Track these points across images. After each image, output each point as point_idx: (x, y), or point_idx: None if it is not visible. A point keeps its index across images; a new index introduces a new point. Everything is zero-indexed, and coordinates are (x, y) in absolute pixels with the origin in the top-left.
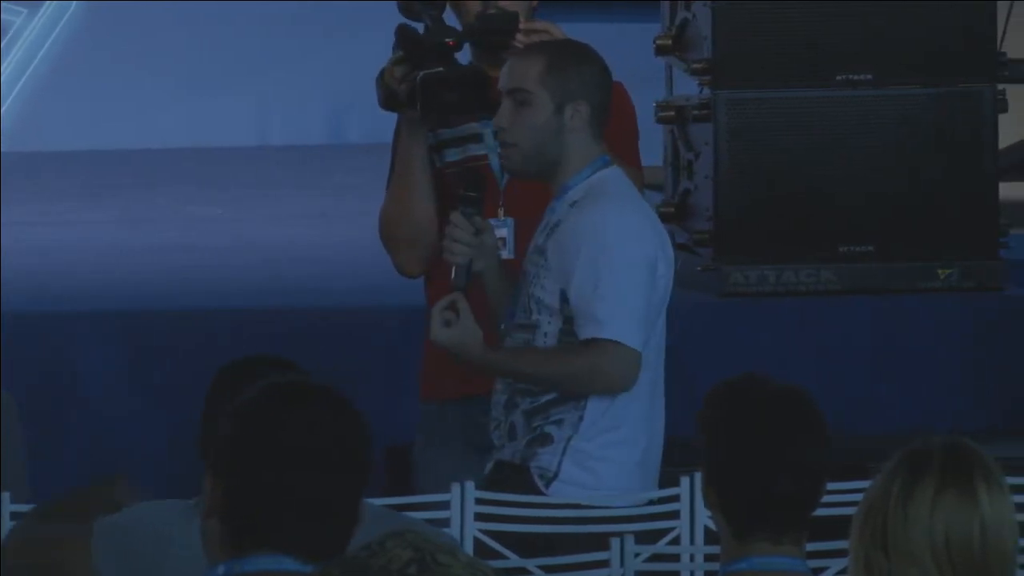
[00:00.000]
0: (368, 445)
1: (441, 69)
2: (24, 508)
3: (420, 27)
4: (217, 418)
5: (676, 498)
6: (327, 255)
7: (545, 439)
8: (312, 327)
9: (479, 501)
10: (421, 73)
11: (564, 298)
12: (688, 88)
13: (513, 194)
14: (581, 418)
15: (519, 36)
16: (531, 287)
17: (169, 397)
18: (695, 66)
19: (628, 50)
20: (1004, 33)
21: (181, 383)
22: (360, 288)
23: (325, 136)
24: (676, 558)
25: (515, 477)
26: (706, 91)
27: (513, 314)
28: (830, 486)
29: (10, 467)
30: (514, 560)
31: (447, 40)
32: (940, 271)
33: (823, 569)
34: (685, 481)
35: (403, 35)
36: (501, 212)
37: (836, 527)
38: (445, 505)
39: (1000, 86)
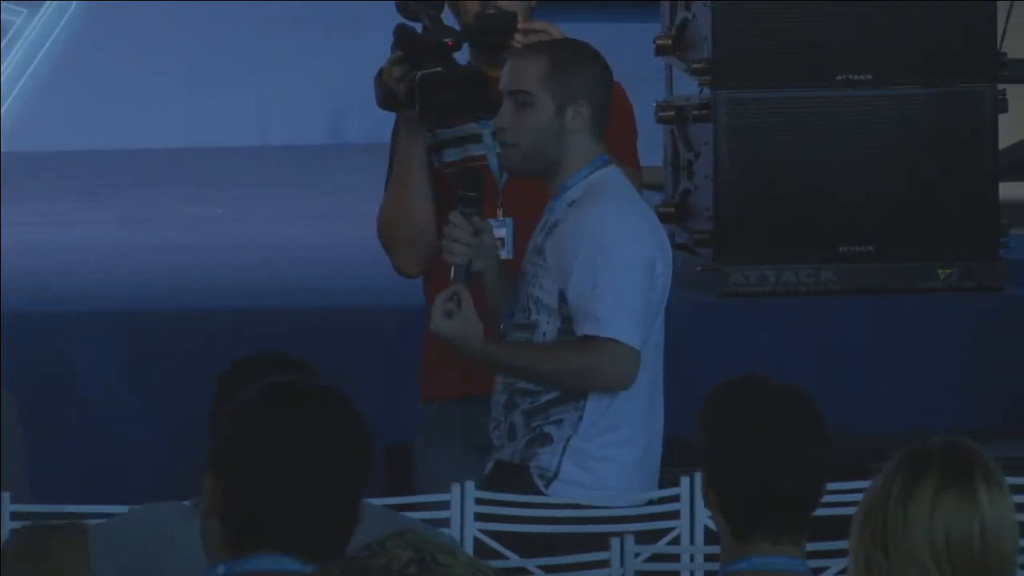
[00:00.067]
0: (368, 445)
1: (439, 69)
2: (24, 508)
3: (418, 27)
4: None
5: (676, 498)
6: (327, 255)
7: (545, 439)
8: (312, 327)
9: (479, 501)
10: (419, 73)
11: (562, 298)
12: (688, 88)
13: (512, 194)
14: (581, 418)
15: (517, 36)
16: (530, 287)
17: (169, 397)
18: (695, 66)
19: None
20: (1004, 33)
21: (181, 383)
22: (360, 288)
23: (325, 136)
24: (676, 558)
25: (515, 477)
26: (706, 91)
27: (512, 314)
28: (830, 486)
29: (10, 467)
30: (514, 560)
31: (446, 40)
32: (940, 271)
33: (823, 569)
34: (685, 481)
35: (402, 35)
36: (500, 212)
37: (836, 527)
38: (445, 505)
39: (1000, 86)
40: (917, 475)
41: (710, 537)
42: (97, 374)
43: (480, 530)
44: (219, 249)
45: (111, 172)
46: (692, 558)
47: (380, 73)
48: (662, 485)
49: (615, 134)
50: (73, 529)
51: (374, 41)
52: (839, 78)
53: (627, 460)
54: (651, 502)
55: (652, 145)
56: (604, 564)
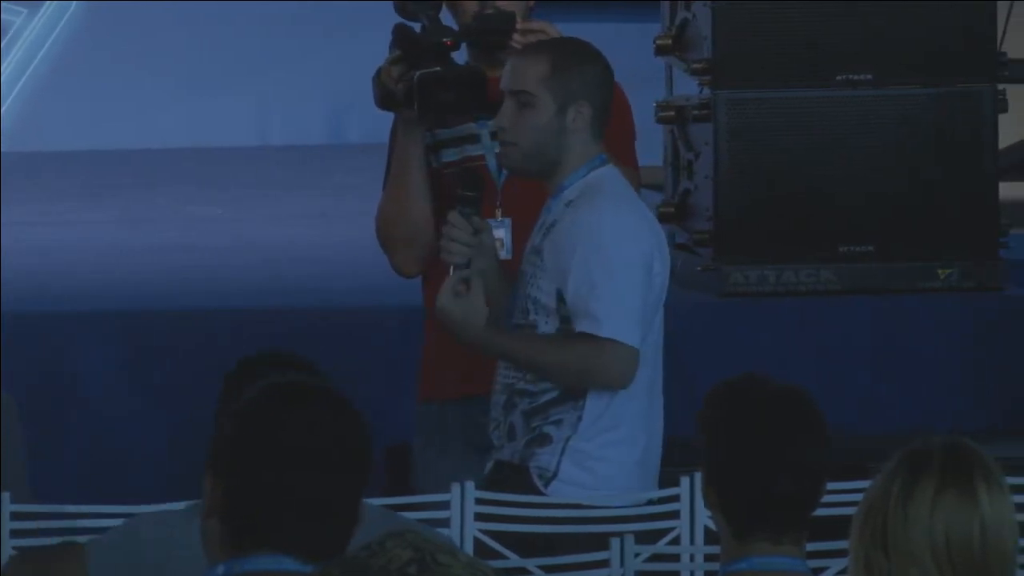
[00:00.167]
0: (368, 445)
1: (438, 69)
2: (24, 508)
3: (417, 27)
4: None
5: (676, 498)
6: (327, 255)
7: (544, 439)
8: (312, 327)
9: (479, 501)
10: (418, 73)
11: (560, 298)
12: (688, 88)
13: (511, 194)
14: (580, 418)
15: (516, 36)
16: (528, 287)
17: (169, 397)
18: (695, 66)
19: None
20: (1004, 33)
21: (181, 383)
22: (360, 288)
23: (325, 136)
24: (676, 558)
25: (514, 477)
26: (706, 91)
27: (511, 314)
28: (830, 486)
29: (10, 467)
30: (514, 560)
31: (444, 40)
32: (940, 271)
33: (823, 569)
34: (685, 481)
35: (400, 35)
36: (499, 212)
37: (836, 527)
38: (445, 505)
39: (1000, 86)
40: (917, 475)
41: (710, 537)
42: (97, 374)
43: (480, 530)
44: (219, 249)
45: (111, 172)
46: (692, 558)
47: (378, 73)
48: (662, 485)
49: (613, 134)
50: (71, 548)
51: (374, 41)
52: (839, 78)
53: (627, 460)
54: (651, 502)
55: (652, 145)
56: (604, 564)
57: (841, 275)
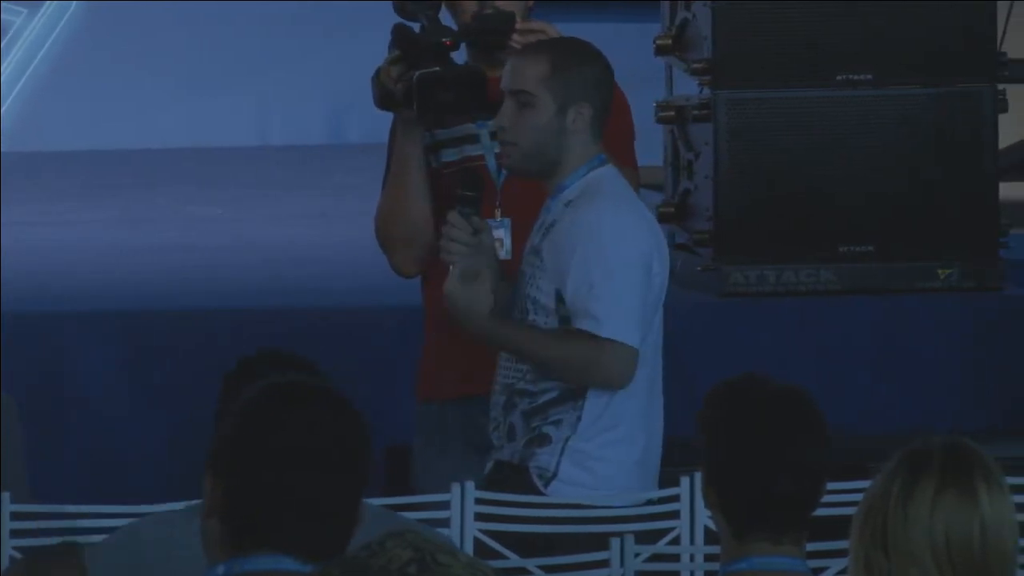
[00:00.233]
0: (368, 445)
1: (437, 69)
2: (24, 508)
3: (415, 27)
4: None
5: (676, 498)
6: (327, 255)
7: (543, 439)
8: (312, 327)
9: (479, 501)
10: (417, 73)
11: (559, 298)
12: (688, 88)
13: (510, 194)
14: (579, 418)
15: (515, 36)
16: (527, 287)
17: (169, 397)
18: (695, 66)
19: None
20: (1004, 33)
21: (181, 383)
22: (360, 288)
23: (325, 136)
24: (676, 558)
25: (514, 477)
26: (706, 91)
27: (510, 314)
28: (830, 486)
29: (10, 467)
30: (514, 560)
31: (444, 40)
32: (940, 271)
33: (823, 569)
34: (685, 481)
35: (399, 34)
36: (498, 213)
37: (836, 527)
38: (445, 505)
39: (1000, 86)
40: (917, 475)
41: (710, 537)
42: (97, 374)
43: (480, 530)
44: (219, 249)
45: (111, 172)
46: (692, 558)
47: (377, 73)
48: (662, 485)
49: (612, 134)
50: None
51: (374, 41)
52: (839, 78)
53: (626, 459)
54: (651, 502)
55: (652, 145)
56: (604, 564)
57: (841, 275)
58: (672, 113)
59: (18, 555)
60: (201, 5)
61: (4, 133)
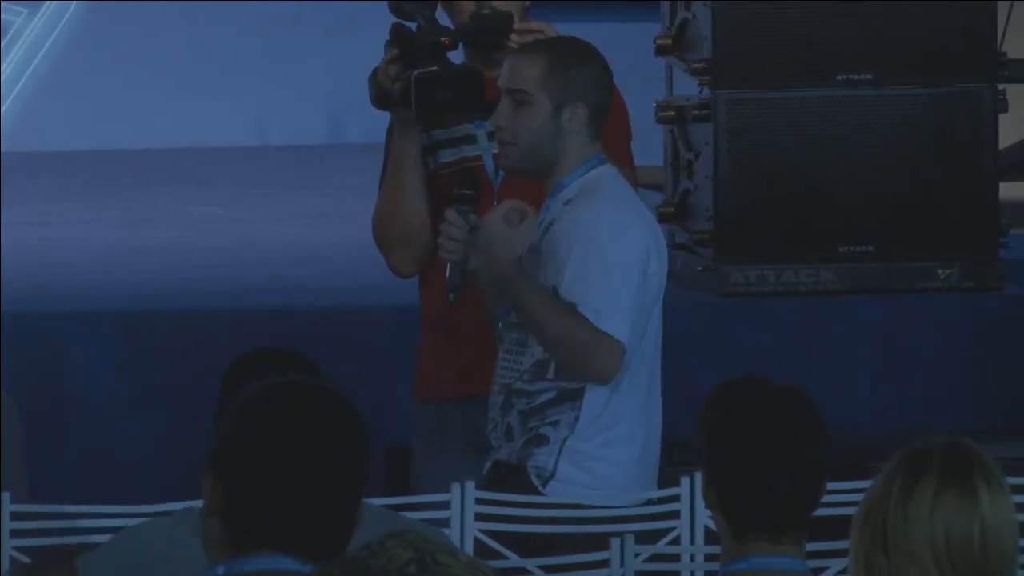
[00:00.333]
0: (368, 445)
1: (436, 68)
2: (24, 508)
3: (412, 27)
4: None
5: (676, 498)
6: (327, 255)
7: (541, 440)
8: (312, 327)
9: (479, 501)
10: (415, 72)
11: (556, 294)
12: (688, 88)
13: (508, 195)
14: (577, 418)
15: (513, 36)
16: None
17: (169, 397)
18: (695, 66)
19: (628, 50)
20: (1004, 33)
21: (181, 383)
22: (360, 288)
23: (325, 136)
24: (676, 558)
25: (512, 477)
26: (706, 91)
27: (508, 312)
28: (830, 486)
29: (10, 467)
30: (514, 560)
31: (442, 39)
32: (940, 271)
33: (823, 569)
34: (685, 481)
35: (398, 34)
36: None
37: (836, 527)
38: (445, 505)
39: (1000, 86)
40: (917, 475)
41: (710, 537)
42: (97, 374)
43: (480, 530)
44: (219, 249)
45: (111, 172)
46: (692, 558)
47: (374, 72)
48: (662, 485)
49: (609, 135)
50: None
51: (374, 41)
52: (839, 78)
53: (625, 459)
54: (651, 502)
55: (652, 145)
56: (604, 564)
57: (841, 275)
58: (672, 113)
59: (18, 555)
60: (201, 5)
61: (4, 133)
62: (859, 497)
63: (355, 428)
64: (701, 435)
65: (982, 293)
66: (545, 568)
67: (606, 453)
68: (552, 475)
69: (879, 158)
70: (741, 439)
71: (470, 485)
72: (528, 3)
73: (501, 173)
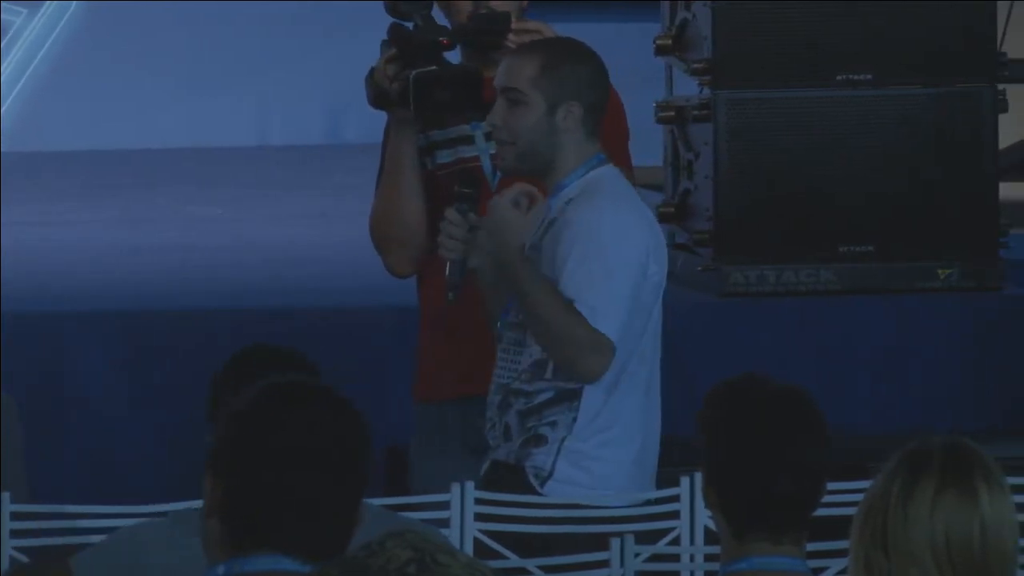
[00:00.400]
0: (368, 445)
1: (434, 68)
2: (24, 508)
3: (409, 26)
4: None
5: (676, 498)
6: (327, 255)
7: (539, 440)
8: (312, 327)
9: (479, 501)
10: (414, 72)
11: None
12: (688, 88)
13: None
14: (575, 419)
15: (511, 36)
16: None
17: (169, 397)
18: (695, 66)
19: (628, 50)
20: (1004, 33)
21: (181, 383)
22: (360, 288)
23: (324, 136)
24: (676, 558)
25: (510, 477)
26: (706, 91)
27: (508, 311)
28: (830, 486)
29: (10, 467)
30: (514, 560)
31: (441, 39)
32: (940, 271)
33: (823, 569)
34: (685, 481)
35: (396, 33)
36: None
37: (836, 527)
38: (445, 505)
39: (1000, 86)
40: (917, 475)
41: (710, 537)
42: (97, 374)
43: (480, 530)
44: (219, 249)
45: (111, 172)
46: (692, 558)
47: (371, 72)
48: (662, 485)
49: (606, 134)
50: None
51: (374, 41)
52: (839, 78)
53: (623, 459)
54: (650, 502)
55: (652, 145)
56: (604, 564)
57: (841, 275)
58: (672, 113)
59: (18, 555)
60: (201, 5)
61: (4, 133)
62: (859, 497)
63: (355, 428)
64: (701, 435)
65: (982, 293)
66: (545, 568)
67: (604, 453)
68: (550, 475)
69: (879, 158)
70: (741, 439)
71: (470, 485)
72: (525, 3)
73: (498, 174)
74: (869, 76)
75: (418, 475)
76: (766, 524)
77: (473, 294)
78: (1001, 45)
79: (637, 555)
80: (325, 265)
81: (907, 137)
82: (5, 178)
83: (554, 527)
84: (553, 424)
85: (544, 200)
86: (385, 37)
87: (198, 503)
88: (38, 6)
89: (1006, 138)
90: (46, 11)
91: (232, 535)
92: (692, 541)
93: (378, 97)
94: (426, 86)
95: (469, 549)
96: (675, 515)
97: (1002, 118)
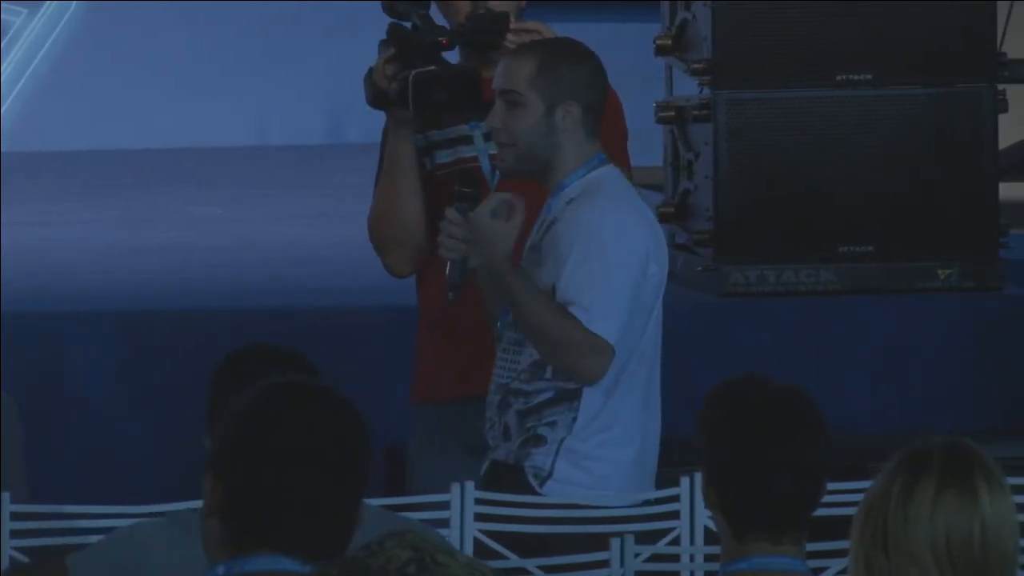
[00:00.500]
0: (368, 445)
1: (433, 68)
2: (24, 508)
3: (408, 27)
4: (223, 405)
5: (676, 498)
6: (327, 255)
7: (539, 440)
8: (312, 327)
9: (479, 501)
10: (413, 72)
11: (555, 292)
12: (688, 88)
13: None
14: (575, 419)
15: (510, 36)
16: None
17: (169, 397)
18: (695, 66)
19: (628, 50)
20: (1004, 33)
21: (181, 383)
22: (360, 288)
23: (325, 136)
24: (676, 558)
25: (509, 477)
26: (706, 91)
27: (507, 312)
28: (830, 486)
29: (10, 467)
30: (514, 560)
31: (440, 39)
32: (940, 271)
33: (823, 569)
34: (685, 481)
35: (395, 33)
36: None
37: (836, 527)
38: (444, 505)
39: (1000, 86)
40: (917, 475)
41: (710, 537)
42: (97, 374)
43: (480, 530)
44: (219, 249)
45: (111, 172)
46: (692, 558)
47: (370, 72)
48: (662, 485)
49: (604, 135)
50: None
51: (374, 41)
52: (839, 78)
53: (623, 459)
54: (650, 502)
55: (652, 145)
56: (604, 564)
57: (841, 275)
58: (672, 113)
59: (18, 555)
60: (201, 5)
61: (4, 133)
62: (859, 497)
63: (355, 428)
64: (701, 435)
65: (982, 293)
66: (545, 568)
67: (603, 453)
68: (549, 475)
69: (879, 158)
70: (741, 439)
71: (470, 485)
72: (524, 3)
73: (497, 174)
74: (869, 76)
75: (418, 475)
76: (766, 524)
77: (473, 294)
78: (1001, 45)
79: (637, 555)
80: (325, 265)
81: (907, 137)
82: (5, 178)
83: (554, 527)
84: (553, 424)
85: (523, 210)
86: (384, 37)
87: (197, 503)
88: (38, 6)
89: (1006, 138)
90: (46, 11)
91: (232, 535)
92: (692, 541)
93: (376, 97)
94: (425, 86)
95: (469, 549)
96: (675, 515)
97: (1002, 118)
